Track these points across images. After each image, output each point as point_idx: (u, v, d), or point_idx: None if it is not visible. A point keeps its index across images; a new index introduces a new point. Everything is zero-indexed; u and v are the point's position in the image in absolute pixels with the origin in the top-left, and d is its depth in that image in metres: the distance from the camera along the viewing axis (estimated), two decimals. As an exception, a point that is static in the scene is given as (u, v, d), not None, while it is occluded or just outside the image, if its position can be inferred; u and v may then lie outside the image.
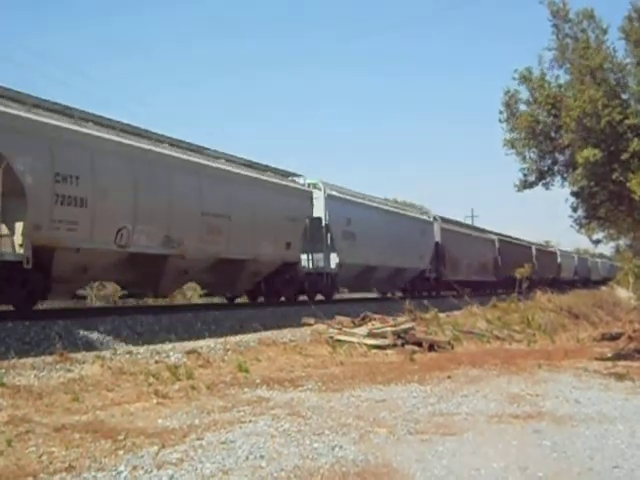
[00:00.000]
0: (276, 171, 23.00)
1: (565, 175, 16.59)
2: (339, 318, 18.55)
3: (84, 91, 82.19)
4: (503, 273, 43.27)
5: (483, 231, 49.04)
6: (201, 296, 25.44)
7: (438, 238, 35.82)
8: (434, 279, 35.16)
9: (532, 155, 16.34)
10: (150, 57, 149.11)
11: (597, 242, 23.01)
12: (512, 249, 49.49)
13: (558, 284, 51.77)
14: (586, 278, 74.03)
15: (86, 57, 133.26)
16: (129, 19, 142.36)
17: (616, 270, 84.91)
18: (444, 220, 38.60)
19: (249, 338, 15.12)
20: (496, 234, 48.23)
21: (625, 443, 7.62)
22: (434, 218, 36.99)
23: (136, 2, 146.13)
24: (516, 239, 55.63)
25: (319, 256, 24.49)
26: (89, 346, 12.14)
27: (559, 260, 63.26)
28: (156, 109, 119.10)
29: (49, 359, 10.87)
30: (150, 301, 21.15)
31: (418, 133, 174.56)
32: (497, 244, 47.03)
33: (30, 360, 10.70)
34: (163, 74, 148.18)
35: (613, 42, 15.46)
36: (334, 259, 24.68)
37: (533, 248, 56.18)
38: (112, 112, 16.22)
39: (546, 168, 16.49)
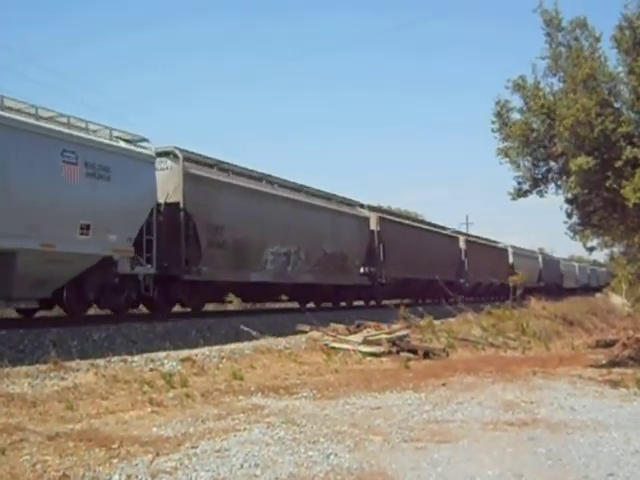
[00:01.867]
0: None
1: (559, 183, 16.64)
2: (334, 325, 18.58)
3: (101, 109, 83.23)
4: (390, 274, 29.26)
5: (345, 203, 28.59)
6: None
7: (177, 197, 17.60)
8: (167, 279, 17.50)
9: (526, 163, 16.38)
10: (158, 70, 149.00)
11: (591, 249, 23.02)
12: (414, 238, 32.83)
13: (507, 293, 36.79)
14: (556, 285, 59.42)
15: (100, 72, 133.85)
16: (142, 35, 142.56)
17: (598, 276, 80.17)
18: (198, 161, 19.38)
19: (244, 346, 15.14)
20: (376, 210, 31.30)
21: (620, 450, 7.62)
22: (171, 156, 18.13)
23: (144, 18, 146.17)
24: (428, 224, 40.24)
25: None
26: (83, 354, 12.13)
27: (511, 260, 47.73)
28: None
29: (43, 367, 10.88)
30: (144, 309, 21.10)
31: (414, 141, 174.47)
32: (377, 226, 29.27)
33: (24, 368, 10.71)
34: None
35: (605, 51, 15.56)
36: None
37: (461, 240, 41.75)
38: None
39: (540, 176, 16.53)
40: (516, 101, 16.31)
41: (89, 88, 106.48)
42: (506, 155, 16.25)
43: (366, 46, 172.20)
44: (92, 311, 20.70)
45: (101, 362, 11.77)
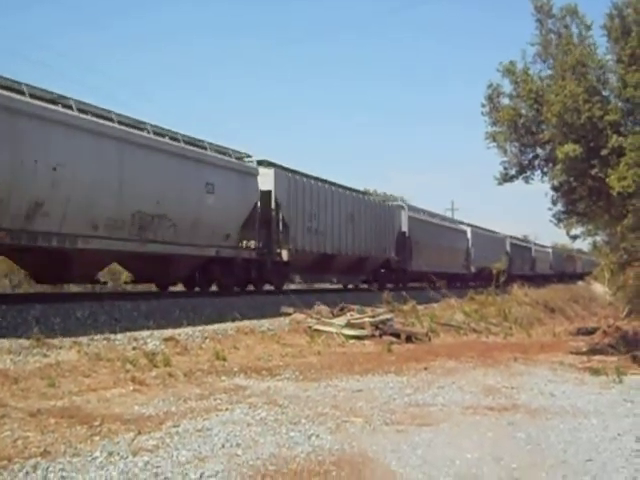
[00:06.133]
0: None
1: (545, 170, 16.71)
2: (318, 308, 18.58)
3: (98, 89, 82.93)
4: (298, 250, 22.81)
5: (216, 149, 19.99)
6: None
7: None
8: None
9: (513, 149, 16.44)
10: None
11: (575, 237, 23.15)
12: (333, 207, 25.73)
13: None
14: (401, 268, 32.15)
15: (102, 55, 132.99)
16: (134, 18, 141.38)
17: (535, 258, 57.82)
18: None
19: (227, 326, 15.12)
20: (276, 167, 22.68)
21: (598, 437, 7.71)
22: None
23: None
24: (358, 192, 30.35)
25: None
26: (66, 331, 12.07)
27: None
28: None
29: (26, 344, 10.82)
30: (129, 287, 21.03)
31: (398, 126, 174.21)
32: (273, 186, 21.80)
33: (6, 344, 10.64)
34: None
35: (595, 39, 15.59)
36: None
37: (403, 214, 32.19)
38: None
39: (527, 162, 16.60)
40: (507, 86, 16.35)
41: (87, 68, 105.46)
42: (494, 140, 16.30)
43: (358, 30, 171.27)
44: (76, 288, 20.70)
45: (84, 340, 11.72)
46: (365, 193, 32.30)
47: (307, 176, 25.17)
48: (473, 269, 42.34)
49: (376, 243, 29.58)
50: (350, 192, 28.82)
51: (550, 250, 67.08)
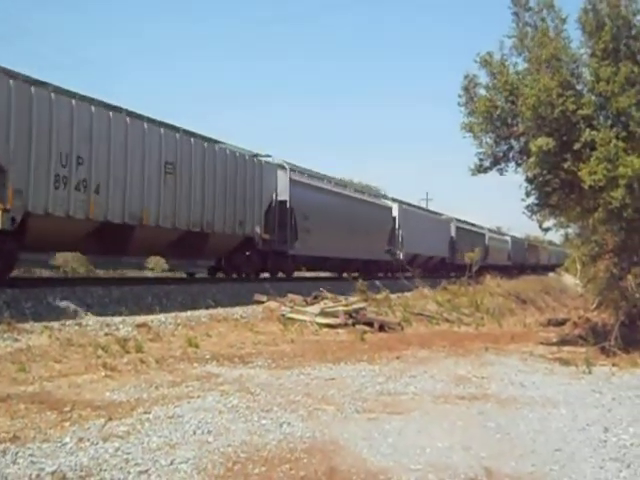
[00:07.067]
0: None
1: (519, 162, 16.78)
2: (291, 296, 18.60)
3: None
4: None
5: None
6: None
7: None
8: None
9: (488, 140, 16.49)
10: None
11: (547, 229, 23.32)
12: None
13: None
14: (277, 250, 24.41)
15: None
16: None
17: (458, 242, 44.31)
18: None
19: (200, 313, 15.11)
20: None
21: (567, 427, 7.79)
22: None
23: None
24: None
25: None
26: (37, 316, 11.99)
27: None
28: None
29: (-4, 328, 10.74)
30: (101, 272, 20.87)
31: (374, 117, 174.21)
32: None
33: (-24, 329, 10.55)
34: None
35: (570, 33, 15.68)
36: None
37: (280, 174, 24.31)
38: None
39: (501, 154, 16.66)
40: (483, 77, 16.40)
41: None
42: (470, 130, 16.34)
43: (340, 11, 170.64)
44: (47, 273, 20.52)
45: (55, 325, 11.66)
46: (211, 140, 21.61)
47: (63, 92, 15.69)
48: (401, 256, 35.18)
49: (227, 213, 21.01)
50: (171, 130, 19.01)
51: (509, 238, 61.16)
